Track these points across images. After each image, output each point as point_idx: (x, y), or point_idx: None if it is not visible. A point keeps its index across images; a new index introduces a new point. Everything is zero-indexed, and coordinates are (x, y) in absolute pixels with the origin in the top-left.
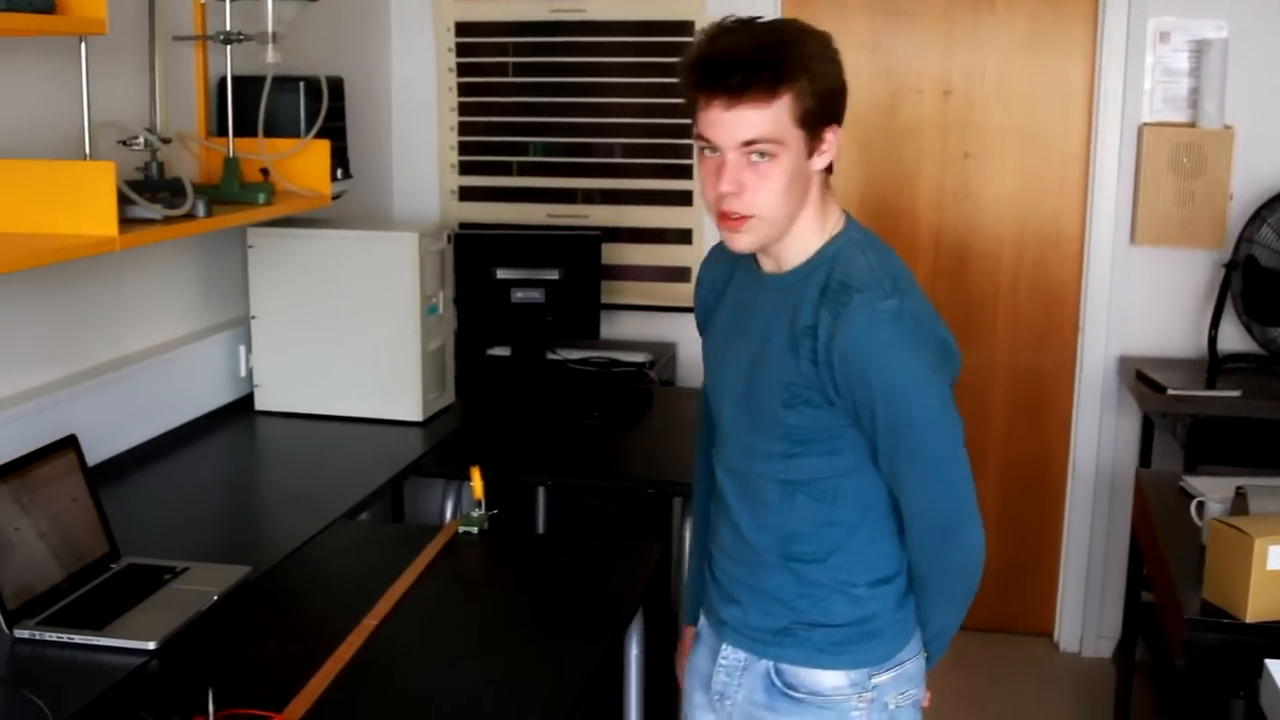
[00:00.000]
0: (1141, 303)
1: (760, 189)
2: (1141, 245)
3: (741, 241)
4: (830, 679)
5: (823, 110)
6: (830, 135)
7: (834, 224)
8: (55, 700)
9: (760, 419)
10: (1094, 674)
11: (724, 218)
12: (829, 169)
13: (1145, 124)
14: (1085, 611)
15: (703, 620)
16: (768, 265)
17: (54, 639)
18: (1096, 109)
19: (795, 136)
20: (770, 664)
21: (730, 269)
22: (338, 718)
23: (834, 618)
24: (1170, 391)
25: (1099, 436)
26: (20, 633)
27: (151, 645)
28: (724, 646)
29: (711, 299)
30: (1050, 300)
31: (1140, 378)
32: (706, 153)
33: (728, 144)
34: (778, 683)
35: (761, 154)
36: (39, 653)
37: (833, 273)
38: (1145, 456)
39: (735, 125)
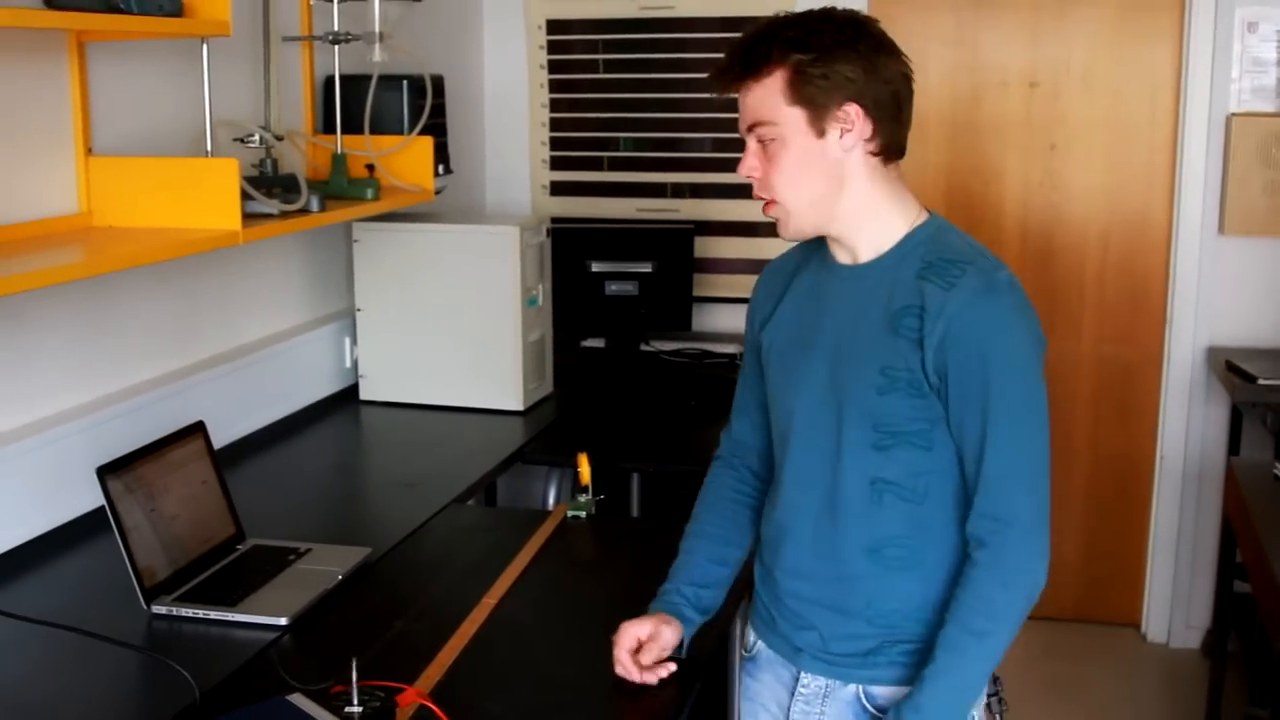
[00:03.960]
0: (1230, 293)
1: (770, 172)
2: (1230, 235)
3: (783, 229)
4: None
5: (829, 86)
6: (850, 113)
7: (917, 214)
8: (196, 671)
9: (849, 409)
10: (1182, 665)
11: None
12: (890, 157)
13: (1233, 114)
14: (1173, 602)
15: (762, 646)
16: (843, 257)
17: (189, 615)
18: (1184, 99)
19: (792, 115)
20: (859, 688)
21: (789, 275)
22: (467, 690)
23: (926, 630)
24: (1261, 381)
25: (1187, 427)
26: (157, 608)
27: (284, 621)
28: (802, 675)
29: (768, 307)
30: (1137, 291)
31: (1230, 368)
32: None
33: (741, 131)
34: (870, 707)
35: (765, 138)
36: (175, 628)
37: (929, 254)
38: (1234, 446)
39: (742, 111)
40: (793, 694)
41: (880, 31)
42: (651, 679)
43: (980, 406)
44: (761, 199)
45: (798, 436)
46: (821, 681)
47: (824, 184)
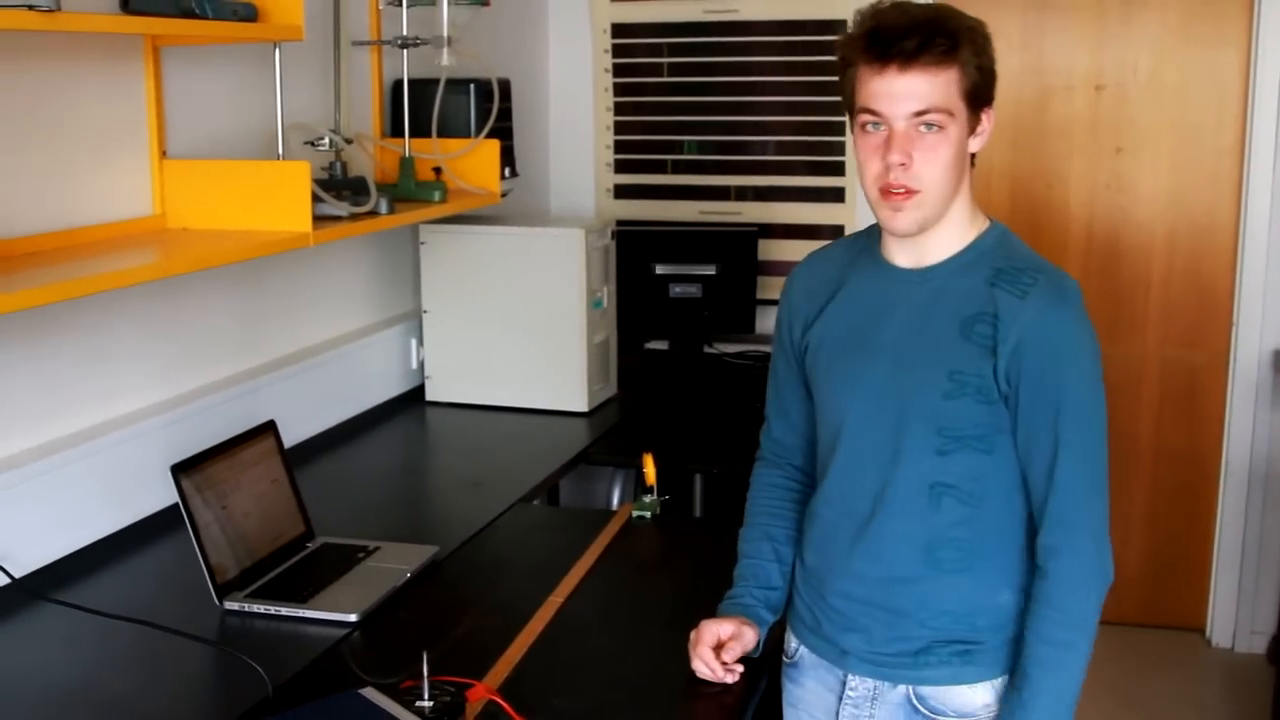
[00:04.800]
0: None
1: (928, 162)
2: None
3: (905, 220)
4: (980, 695)
5: (984, 87)
6: (986, 119)
7: (982, 219)
8: (268, 666)
9: (913, 413)
10: (1247, 669)
11: (888, 194)
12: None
13: None
14: (1238, 606)
15: (804, 651)
16: (904, 260)
17: (261, 611)
18: (1251, 102)
19: (961, 110)
20: (909, 689)
21: (836, 276)
22: (534, 686)
23: (976, 632)
24: None
25: (1253, 429)
26: (230, 604)
27: (354, 617)
28: (850, 677)
29: (813, 307)
30: (1203, 294)
31: None
32: (870, 128)
33: (898, 114)
34: (921, 708)
35: (930, 125)
36: (247, 624)
37: (998, 261)
38: None
39: (907, 94)
40: (840, 698)
41: None
42: (731, 678)
43: (1053, 415)
44: (899, 187)
45: (850, 437)
46: (870, 684)
47: (957, 181)
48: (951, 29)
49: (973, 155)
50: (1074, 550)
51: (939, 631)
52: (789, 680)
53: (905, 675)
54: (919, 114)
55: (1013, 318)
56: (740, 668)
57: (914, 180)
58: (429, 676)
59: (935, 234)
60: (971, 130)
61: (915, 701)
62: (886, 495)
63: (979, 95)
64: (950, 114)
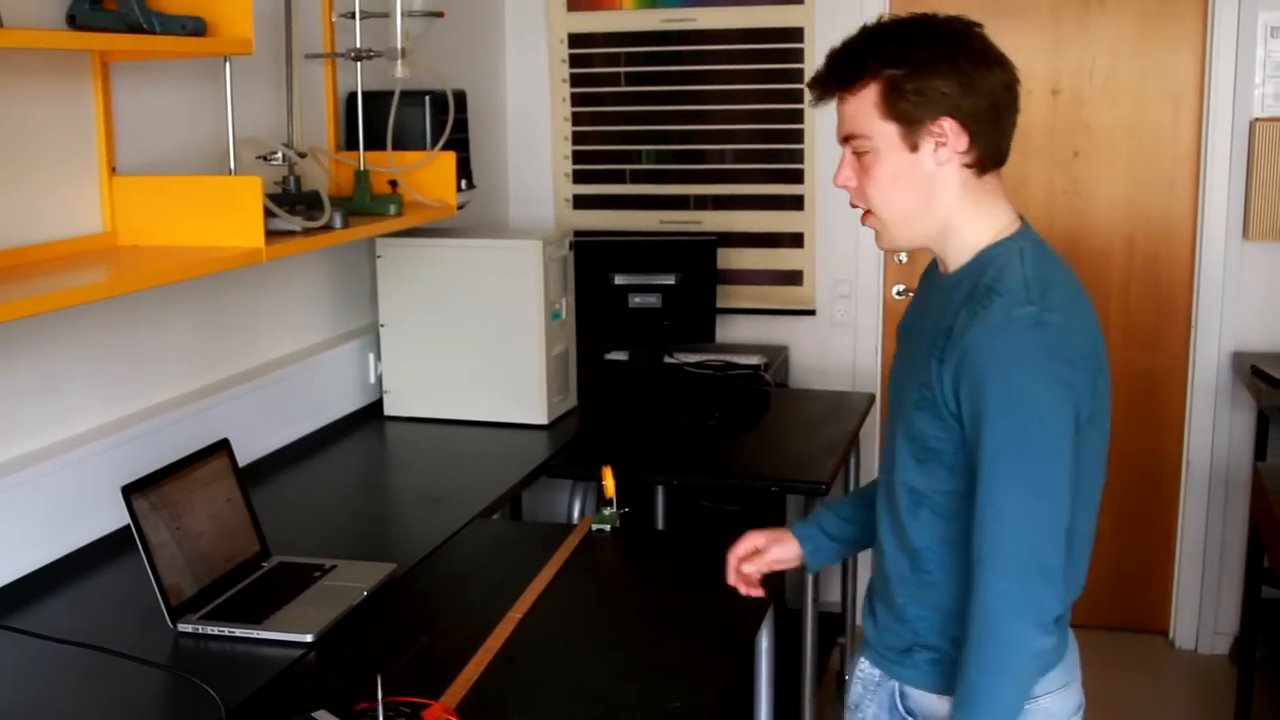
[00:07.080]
0: (1254, 298)
1: (865, 184)
2: (1255, 241)
3: (878, 241)
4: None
5: (923, 101)
6: (945, 127)
7: (1003, 228)
8: (221, 689)
9: (899, 419)
10: (1211, 671)
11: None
12: (986, 168)
13: (1257, 119)
14: (1201, 608)
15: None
16: (942, 267)
17: (215, 632)
18: (1207, 105)
19: (885, 131)
20: (896, 685)
21: (924, 279)
22: (492, 705)
23: (952, 644)
24: None
25: (1213, 432)
26: (183, 627)
27: (309, 638)
28: (862, 660)
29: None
30: (1162, 298)
31: (1255, 373)
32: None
33: (838, 140)
34: (900, 707)
35: (860, 150)
36: (202, 646)
37: (984, 277)
38: (1260, 451)
39: (838, 121)
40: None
41: (983, 40)
42: (747, 591)
43: (975, 440)
44: (857, 208)
45: (883, 438)
46: (875, 672)
47: (914, 198)
48: (863, 50)
49: (983, 164)
50: (984, 587)
51: (919, 636)
52: (859, 652)
53: (896, 671)
54: (846, 139)
55: (959, 337)
56: (757, 591)
57: (860, 201)
58: (384, 698)
59: (946, 245)
60: (915, 146)
61: (898, 698)
62: (888, 498)
63: (911, 111)
64: (867, 137)
